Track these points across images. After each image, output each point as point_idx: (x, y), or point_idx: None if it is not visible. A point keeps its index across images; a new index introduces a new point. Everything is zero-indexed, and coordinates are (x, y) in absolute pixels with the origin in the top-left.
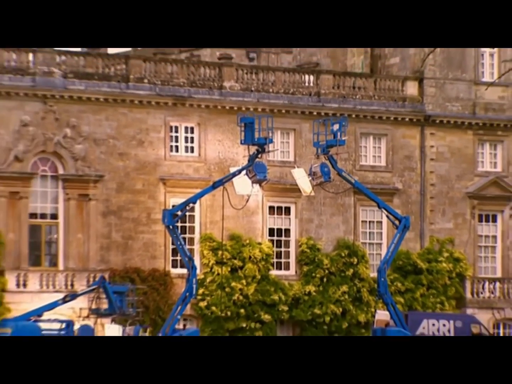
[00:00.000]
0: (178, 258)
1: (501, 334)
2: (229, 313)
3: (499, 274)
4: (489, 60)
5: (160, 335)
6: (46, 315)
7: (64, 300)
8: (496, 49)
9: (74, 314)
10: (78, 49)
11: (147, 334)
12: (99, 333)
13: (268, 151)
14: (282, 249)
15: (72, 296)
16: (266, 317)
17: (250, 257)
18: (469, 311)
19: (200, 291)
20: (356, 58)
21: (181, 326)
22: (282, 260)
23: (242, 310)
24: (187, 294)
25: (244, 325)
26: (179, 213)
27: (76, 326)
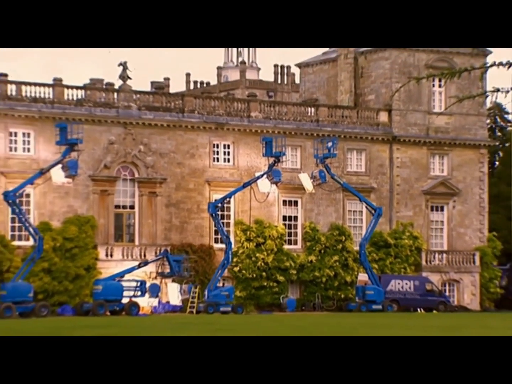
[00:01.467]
0: (219, 236)
1: (447, 291)
2: (254, 275)
3: (445, 248)
4: (438, 96)
5: (206, 291)
6: (127, 277)
7: (139, 266)
8: (443, 88)
9: (146, 275)
10: (148, 89)
11: (197, 291)
12: (163, 289)
13: (282, 161)
14: (292, 230)
15: (144, 263)
16: (281, 278)
17: (269, 235)
18: (424, 274)
19: (234, 259)
20: (344, 95)
21: (221, 284)
22: (292, 238)
23: (263, 273)
24: (225, 261)
25: (265, 283)
26: (219, 205)
27: (147, 284)
